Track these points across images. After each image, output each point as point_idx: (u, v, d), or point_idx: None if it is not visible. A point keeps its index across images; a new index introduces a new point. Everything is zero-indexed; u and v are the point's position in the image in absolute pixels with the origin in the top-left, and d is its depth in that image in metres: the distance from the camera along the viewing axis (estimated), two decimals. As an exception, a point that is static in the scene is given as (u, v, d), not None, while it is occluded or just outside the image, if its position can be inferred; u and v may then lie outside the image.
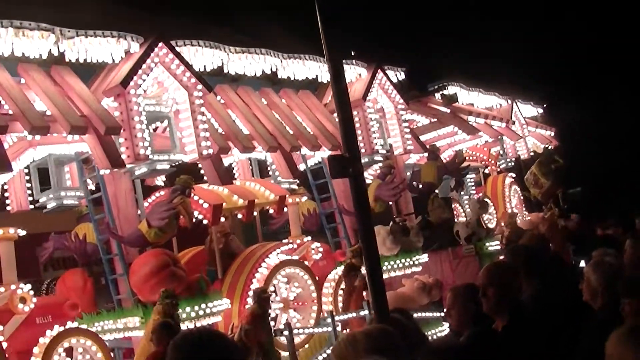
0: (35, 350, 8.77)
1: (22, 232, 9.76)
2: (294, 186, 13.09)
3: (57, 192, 10.67)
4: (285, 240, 11.85)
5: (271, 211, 11.56)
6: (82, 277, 10.53)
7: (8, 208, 11.35)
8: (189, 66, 9.83)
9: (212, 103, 10.98)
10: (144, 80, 9.43)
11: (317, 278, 11.29)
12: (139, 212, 10.33)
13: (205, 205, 9.92)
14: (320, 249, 11.80)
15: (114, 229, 9.86)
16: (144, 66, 9.39)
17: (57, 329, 8.97)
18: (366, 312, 11.28)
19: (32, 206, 11.36)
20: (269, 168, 12.92)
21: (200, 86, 9.85)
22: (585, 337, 4.67)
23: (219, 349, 2.83)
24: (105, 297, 10.60)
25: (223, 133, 10.96)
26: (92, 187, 10.69)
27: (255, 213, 11.07)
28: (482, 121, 16.42)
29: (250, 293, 10.15)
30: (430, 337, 10.14)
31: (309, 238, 12.01)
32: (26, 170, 11.16)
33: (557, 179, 17.54)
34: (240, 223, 12.26)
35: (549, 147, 19.55)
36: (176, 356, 2.83)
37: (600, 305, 5.29)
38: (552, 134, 20.13)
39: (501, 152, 18.07)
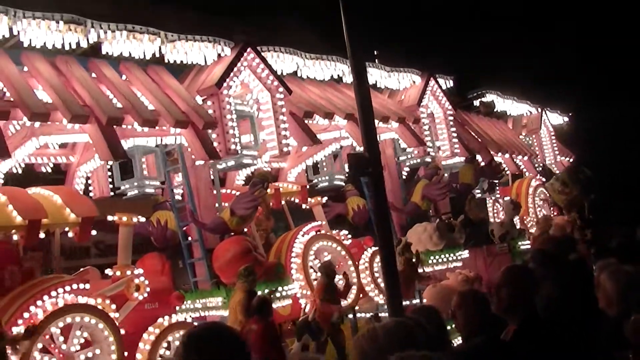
0: (141, 345, 9.29)
1: (142, 219, 10.59)
2: (341, 182, 14.06)
3: (139, 181, 11.55)
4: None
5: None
6: (160, 260, 11.26)
7: (91, 194, 12.13)
8: (272, 70, 10.74)
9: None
10: (234, 82, 10.33)
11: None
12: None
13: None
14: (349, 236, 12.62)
15: (197, 217, 10.73)
16: (234, 69, 10.29)
17: (162, 321, 9.51)
18: (417, 300, 12.23)
19: (112, 193, 12.17)
20: (318, 165, 13.91)
21: (282, 88, 10.75)
22: (599, 344, 4.65)
23: (230, 342, 2.92)
24: (182, 280, 11.46)
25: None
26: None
27: (282, 202, 12.27)
28: (507, 156, 17.39)
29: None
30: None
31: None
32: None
33: (584, 188, 18.06)
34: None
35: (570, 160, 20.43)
36: (186, 350, 2.88)
37: (616, 313, 5.15)
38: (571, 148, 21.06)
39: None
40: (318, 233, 11.78)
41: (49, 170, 11.80)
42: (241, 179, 13.40)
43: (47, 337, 8.11)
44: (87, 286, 8.79)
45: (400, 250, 12.12)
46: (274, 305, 10.00)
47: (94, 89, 9.42)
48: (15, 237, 8.99)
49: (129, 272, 9.56)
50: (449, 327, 5.18)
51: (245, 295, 9.28)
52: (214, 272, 10.63)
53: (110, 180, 12.18)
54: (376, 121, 12.52)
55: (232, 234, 10.67)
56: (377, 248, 11.42)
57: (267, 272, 10.43)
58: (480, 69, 18.00)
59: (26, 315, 8.03)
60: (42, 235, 8.97)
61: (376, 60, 13.73)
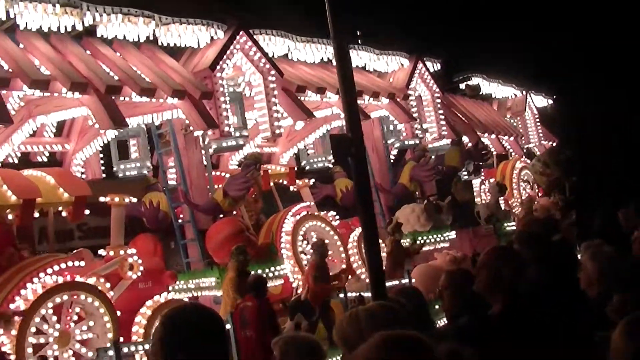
0: (137, 319, 9.35)
1: (134, 200, 10.65)
2: (329, 164, 14.23)
3: (130, 162, 11.69)
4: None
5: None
6: (152, 241, 11.31)
7: (83, 176, 12.20)
8: (264, 52, 10.87)
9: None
10: (227, 65, 10.45)
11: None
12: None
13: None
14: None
15: (190, 198, 10.87)
16: (227, 52, 10.41)
17: (158, 298, 9.59)
18: (406, 280, 12.42)
19: (104, 175, 12.28)
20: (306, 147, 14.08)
21: (273, 71, 10.88)
22: (581, 325, 4.53)
23: (208, 322, 2.87)
24: (173, 261, 11.62)
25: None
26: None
27: (271, 184, 12.35)
28: (493, 136, 17.63)
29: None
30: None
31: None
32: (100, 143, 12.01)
33: (565, 169, 18.31)
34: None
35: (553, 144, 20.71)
36: (165, 330, 2.85)
37: (595, 295, 5.16)
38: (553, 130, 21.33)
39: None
40: (307, 214, 11.91)
41: (45, 159, 11.81)
42: (234, 163, 13.49)
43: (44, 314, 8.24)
44: (82, 264, 8.93)
45: (391, 230, 12.31)
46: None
47: (90, 61, 9.54)
48: (10, 217, 9.07)
49: (122, 252, 9.65)
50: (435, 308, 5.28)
51: (237, 274, 9.43)
52: (206, 252, 10.79)
53: (102, 162, 12.31)
54: (366, 97, 12.85)
55: (223, 215, 10.84)
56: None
57: (260, 252, 10.60)
58: (465, 53, 18.14)
59: (23, 292, 8.15)
60: (36, 214, 9.10)
61: (359, 41, 13.83)
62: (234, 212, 11.11)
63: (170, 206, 11.35)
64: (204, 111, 10.09)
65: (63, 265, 8.62)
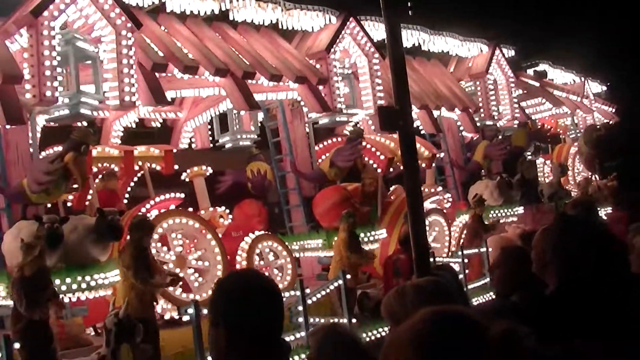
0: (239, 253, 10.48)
1: (210, 170, 11.76)
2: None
3: (235, 134, 12.82)
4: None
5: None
6: (257, 206, 12.47)
7: (193, 146, 13.37)
8: (369, 37, 11.97)
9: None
10: (338, 48, 11.58)
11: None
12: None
13: (382, 157, 12.07)
14: (450, 199, 13.90)
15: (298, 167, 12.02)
16: (340, 36, 11.53)
17: (252, 235, 10.64)
18: (484, 249, 13.50)
19: (211, 145, 13.44)
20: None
21: (377, 54, 11.98)
22: (633, 309, 4.12)
23: (259, 290, 2.74)
24: (276, 224, 12.78)
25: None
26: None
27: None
28: (563, 95, 18.60)
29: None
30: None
31: (440, 189, 14.11)
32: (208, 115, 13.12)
33: (596, 147, 18.70)
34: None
35: (610, 123, 21.59)
36: (213, 294, 2.82)
37: None
38: (614, 110, 22.27)
39: (571, 125, 20.18)
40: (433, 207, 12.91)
41: (158, 125, 12.93)
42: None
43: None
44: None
45: (474, 204, 13.36)
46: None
47: (225, 46, 10.66)
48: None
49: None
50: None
51: (348, 235, 10.56)
52: (311, 217, 11.92)
53: (210, 134, 13.45)
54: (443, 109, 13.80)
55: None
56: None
57: (363, 217, 11.72)
58: (533, 40, 19.13)
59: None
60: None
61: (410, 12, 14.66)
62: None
63: (276, 174, 12.45)
64: (319, 96, 11.21)
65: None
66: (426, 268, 5.67)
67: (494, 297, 5.87)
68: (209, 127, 13.38)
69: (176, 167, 10.57)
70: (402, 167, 6.57)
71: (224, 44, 10.78)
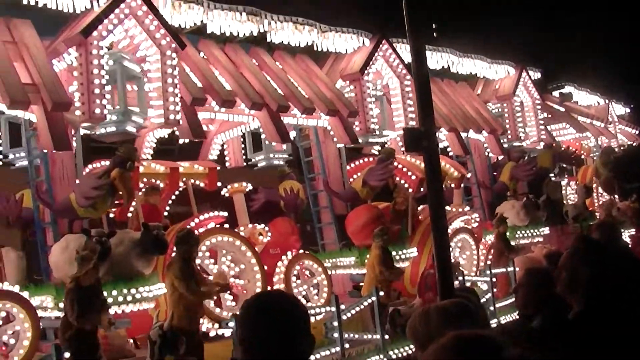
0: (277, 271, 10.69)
1: (250, 187, 11.95)
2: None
3: (268, 153, 13.06)
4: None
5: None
6: (290, 223, 12.59)
7: (227, 164, 13.62)
8: (401, 59, 12.24)
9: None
10: (372, 69, 11.88)
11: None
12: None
13: (413, 177, 12.29)
14: (477, 219, 14.03)
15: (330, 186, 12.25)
16: (373, 58, 11.81)
17: (290, 254, 10.91)
18: (511, 269, 13.62)
19: (245, 164, 13.68)
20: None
21: (409, 76, 12.24)
22: None
23: (286, 312, 2.75)
24: (308, 242, 12.95)
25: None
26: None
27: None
28: (587, 121, 18.79)
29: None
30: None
31: (468, 208, 14.28)
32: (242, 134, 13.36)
33: (614, 169, 18.64)
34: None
35: (633, 144, 21.73)
36: (241, 313, 2.85)
37: None
38: (637, 132, 22.42)
39: (594, 147, 20.30)
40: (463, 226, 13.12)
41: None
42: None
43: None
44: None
45: (496, 223, 13.54)
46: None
47: (262, 77, 10.98)
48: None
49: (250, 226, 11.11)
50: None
51: (382, 251, 10.77)
52: (344, 235, 12.13)
53: (244, 152, 13.70)
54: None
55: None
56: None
57: (393, 236, 11.91)
58: (558, 62, 19.39)
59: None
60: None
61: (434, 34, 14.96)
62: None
63: (308, 193, 12.67)
64: (349, 128, 11.53)
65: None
66: (449, 287, 5.72)
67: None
68: (242, 145, 13.64)
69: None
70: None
71: (260, 73, 11.05)
